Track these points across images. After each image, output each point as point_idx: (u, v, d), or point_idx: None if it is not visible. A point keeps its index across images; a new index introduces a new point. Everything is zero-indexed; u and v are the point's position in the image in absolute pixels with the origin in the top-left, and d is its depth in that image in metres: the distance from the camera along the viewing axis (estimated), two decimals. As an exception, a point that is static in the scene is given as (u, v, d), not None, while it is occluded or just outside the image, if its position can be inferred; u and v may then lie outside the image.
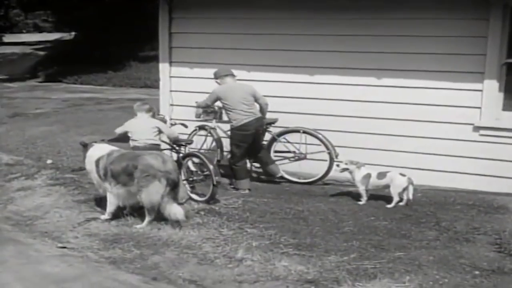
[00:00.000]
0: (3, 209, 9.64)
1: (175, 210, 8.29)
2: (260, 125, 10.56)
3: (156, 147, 9.57)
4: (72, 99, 20.99)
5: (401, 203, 9.18)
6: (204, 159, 9.60)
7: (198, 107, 11.06)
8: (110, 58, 28.39)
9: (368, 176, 9.41)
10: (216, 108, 11.00)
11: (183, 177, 9.69)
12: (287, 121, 11.13)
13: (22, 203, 9.90)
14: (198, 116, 11.26)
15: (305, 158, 10.95)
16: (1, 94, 23.26)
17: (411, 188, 9.20)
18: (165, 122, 10.57)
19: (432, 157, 10.42)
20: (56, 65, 30.49)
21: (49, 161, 12.31)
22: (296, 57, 11.24)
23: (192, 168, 10.15)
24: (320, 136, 10.71)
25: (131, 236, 8.05)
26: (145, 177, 8.30)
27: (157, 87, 13.09)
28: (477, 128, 10.14)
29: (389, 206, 9.16)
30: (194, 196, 9.64)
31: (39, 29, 48.43)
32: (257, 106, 10.59)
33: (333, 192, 10.13)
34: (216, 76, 10.63)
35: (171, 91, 12.42)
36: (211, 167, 9.41)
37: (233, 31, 11.71)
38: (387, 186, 9.30)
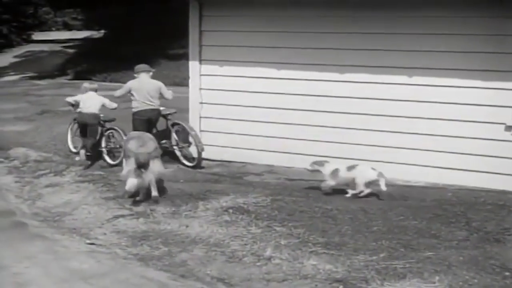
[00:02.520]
0: (32, 205, 9.71)
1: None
2: (154, 115, 12.13)
3: (96, 116, 12.34)
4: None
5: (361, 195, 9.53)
6: (120, 132, 12.03)
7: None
8: (139, 55, 28.37)
9: (336, 171, 9.68)
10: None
11: (103, 145, 12.36)
12: (317, 119, 11.13)
13: (50, 200, 9.97)
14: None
15: (189, 146, 12.19)
16: (30, 92, 23.43)
17: (382, 181, 9.44)
18: None
19: (463, 156, 10.31)
20: (85, 63, 30.57)
21: (77, 158, 12.36)
22: (326, 55, 11.18)
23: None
24: (193, 133, 12.05)
25: (159, 234, 8.07)
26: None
27: (186, 85, 13.08)
28: (509, 128, 10.02)
29: (347, 195, 9.59)
30: (107, 159, 12.25)
31: (68, 27, 48.60)
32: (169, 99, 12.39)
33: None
34: (134, 71, 12.50)
35: (200, 89, 12.41)
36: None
37: (263, 29, 11.68)
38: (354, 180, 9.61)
